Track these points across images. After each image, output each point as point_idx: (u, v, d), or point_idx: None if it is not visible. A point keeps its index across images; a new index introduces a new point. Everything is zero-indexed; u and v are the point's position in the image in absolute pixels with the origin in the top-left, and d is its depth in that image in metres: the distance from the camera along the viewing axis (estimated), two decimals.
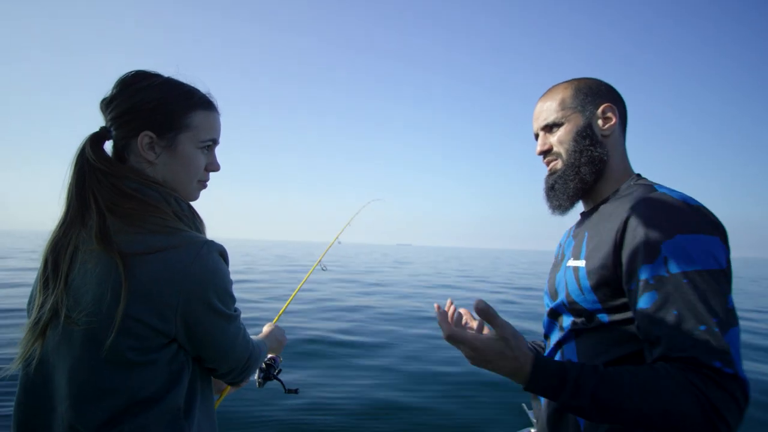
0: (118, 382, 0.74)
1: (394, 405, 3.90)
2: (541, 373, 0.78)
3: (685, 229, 0.79)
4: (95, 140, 0.86)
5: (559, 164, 1.02)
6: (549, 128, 1.03)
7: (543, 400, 1.04)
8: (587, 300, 0.90)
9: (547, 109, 1.03)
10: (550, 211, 1.06)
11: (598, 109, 1.00)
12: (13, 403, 0.82)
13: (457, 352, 0.86)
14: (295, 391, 1.33)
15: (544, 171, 1.09)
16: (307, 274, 1.94)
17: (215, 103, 0.94)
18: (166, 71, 0.90)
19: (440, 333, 0.84)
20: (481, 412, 3.84)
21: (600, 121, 1.00)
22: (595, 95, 1.01)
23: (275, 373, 1.27)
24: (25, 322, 0.85)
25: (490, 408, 3.92)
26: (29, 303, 0.87)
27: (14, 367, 0.81)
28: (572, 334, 0.96)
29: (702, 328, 0.73)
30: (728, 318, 0.74)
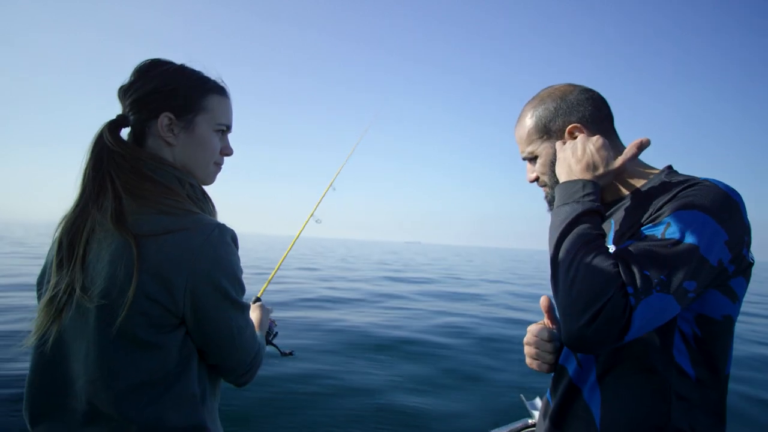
0: (131, 361, 0.76)
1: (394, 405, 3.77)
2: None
3: (700, 208, 0.78)
4: (113, 127, 0.87)
5: (549, 189, 1.03)
6: (529, 159, 1.05)
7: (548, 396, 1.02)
8: None
9: (520, 142, 1.04)
10: None
11: (564, 131, 0.97)
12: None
13: None
14: (290, 354, 1.36)
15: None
16: (301, 228, 1.79)
17: (227, 89, 0.97)
18: (178, 59, 0.93)
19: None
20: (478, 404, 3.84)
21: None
22: (556, 118, 0.98)
23: (271, 339, 1.30)
24: (35, 300, 0.86)
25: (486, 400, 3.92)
26: (40, 281, 0.88)
27: (29, 344, 0.81)
28: None
29: (646, 273, 0.74)
30: (672, 286, 0.74)
